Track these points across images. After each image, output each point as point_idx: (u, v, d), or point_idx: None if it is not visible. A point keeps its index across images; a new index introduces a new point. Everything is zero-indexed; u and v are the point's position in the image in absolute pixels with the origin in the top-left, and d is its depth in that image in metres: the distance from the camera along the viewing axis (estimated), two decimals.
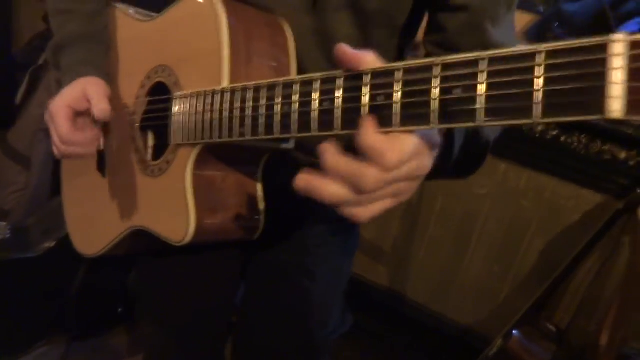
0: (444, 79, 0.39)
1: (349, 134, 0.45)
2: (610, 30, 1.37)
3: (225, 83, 0.59)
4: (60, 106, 0.70)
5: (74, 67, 0.74)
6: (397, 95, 0.41)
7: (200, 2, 0.63)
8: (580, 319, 1.51)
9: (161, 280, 0.89)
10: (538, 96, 0.34)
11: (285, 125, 0.50)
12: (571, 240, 1.50)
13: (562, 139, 1.47)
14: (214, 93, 0.59)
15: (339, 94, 0.45)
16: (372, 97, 0.42)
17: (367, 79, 0.43)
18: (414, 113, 0.40)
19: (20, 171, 1.76)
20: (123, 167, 0.77)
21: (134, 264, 1.00)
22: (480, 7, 0.64)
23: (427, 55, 0.70)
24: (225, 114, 0.57)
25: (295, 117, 0.49)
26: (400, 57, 0.75)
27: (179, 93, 0.65)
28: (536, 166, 1.53)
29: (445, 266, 1.78)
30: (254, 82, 0.54)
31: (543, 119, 0.34)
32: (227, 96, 0.57)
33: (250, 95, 0.54)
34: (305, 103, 0.47)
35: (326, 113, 0.46)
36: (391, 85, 0.42)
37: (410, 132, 0.42)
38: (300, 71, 0.68)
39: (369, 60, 0.44)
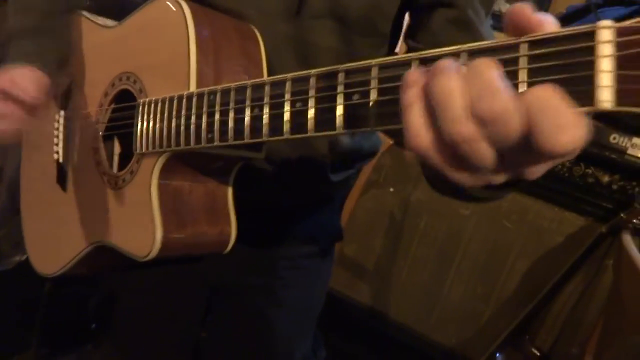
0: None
1: (322, 136, 0.42)
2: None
3: (192, 87, 0.56)
4: None
5: (20, 59, 0.69)
6: (374, 94, 0.38)
7: (166, 6, 0.60)
8: (563, 342, 1.49)
9: (125, 301, 0.85)
10: (524, 88, 0.31)
11: (256, 129, 0.47)
12: (554, 262, 1.48)
13: None
14: (180, 98, 0.55)
15: (312, 93, 0.42)
16: (347, 96, 0.40)
17: (341, 77, 0.40)
18: (392, 111, 0.37)
19: None
20: (85, 180, 0.73)
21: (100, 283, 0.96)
22: (465, 3, 0.62)
23: None
24: (192, 119, 0.54)
25: (266, 120, 0.45)
26: None
27: (144, 100, 0.61)
28: (520, 188, 1.52)
29: (428, 286, 1.75)
30: (221, 86, 0.51)
31: None
32: (194, 101, 0.54)
33: (218, 99, 0.51)
34: (277, 105, 0.44)
35: (299, 115, 0.43)
36: (367, 83, 0.39)
37: None
38: None
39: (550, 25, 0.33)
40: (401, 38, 0.73)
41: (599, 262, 1.40)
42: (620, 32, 0.29)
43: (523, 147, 0.30)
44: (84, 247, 0.72)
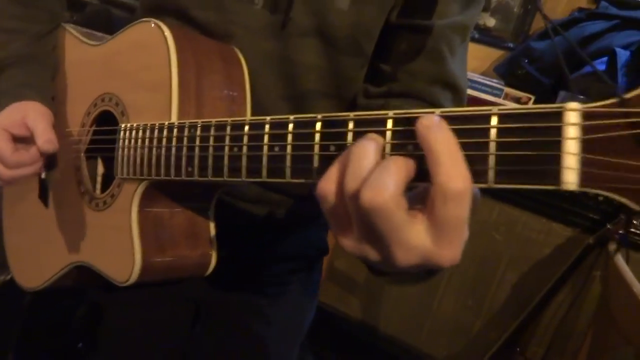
0: (396, 133, 0.36)
1: (299, 183, 0.42)
2: (579, 69, 1.39)
3: (174, 118, 0.56)
4: None
5: (14, 90, 0.70)
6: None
7: (149, 30, 0.60)
8: (553, 353, 1.49)
9: (110, 316, 0.84)
10: (491, 160, 0.32)
11: (234, 169, 0.47)
12: (543, 273, 1.48)
13: None
14: (161, 128, 0.55)
15: (289, 139, 0.42)
16: (322, 147, 0.40)
17: (318, 126, 0.40)
18: None
19: None
20: (66, 198, 0.72)
21: (83, 298, 0.94)
22: (440, 31, 0.63)
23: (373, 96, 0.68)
24: (172, 150, 0.53)
25: (244, 160, 0.45)
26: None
27: (125, 125, 0.61)
28: (508, 200, 1.53)
29: (418, 298, 1.74)
30: (202, 120, 0.51)
31: (496, 184, 0.32)
32: (175, 132, 0.53)
33: (198, 132, 0.51)
34: (255, 147, 0.44)
35: (276, 159, 0.43)
36: (343, 135, 0.39)
37: None
38: (258, 98, 0.65)
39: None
40: None
41: (587, 272, 1.41)
42: (586, 116, 0.29)
43: None
44: (65, 264, 0.71)
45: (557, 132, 0.30)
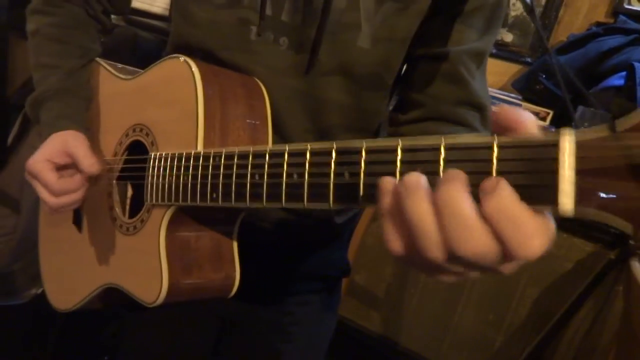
0: (404, 162, 0.38)
1: (316, 207, 0.44)
2: (596, 83, 1.39)
3: (200, 147, 0.59)
4: (40, 161, 0.69)
5: (53, 121, 0.74)
6: (362, 174, 0.41)
7: (177, 66, 0.64)
8: None
9: (138, 335, 0.87)
10: None
11: (256, 195, 0.49)
12: (564, 288, 1.47)
13: None
14: (188, 157, 0.58)
15: (307, 167, 0.44)
16: (337, 174, 0.42)
17: (334, 155, 0.43)
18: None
19: (8, 214, 1.75)
20: (99, 223, 0.76)
21: (118, 314, 0.98)
22: (457, 56, 0.66)
23: (396, 122, 0.70)
24: (198, 178, 0.56)
25: (265, 187, 0.48)
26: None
27: (155, 154, 0.64)
28: None
29: (439, 313, 1.74)
30: (225, 149, 0.53)
31: None
32: (200, 161, 0.56)
33: (222, 161, 0.54)
34: (275, 174, 0.47)
35: (294, 186, 0.45)
36: (357, 164, 0.41)
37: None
38: (284, 132, 0.68)
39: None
40: None
41: (609, 288, 1.39)
42: (579, 146, 0.31)
43: (498, 260, 0.33)
44: (97, 286, 0.75)
45: (553, 162, 0.32)
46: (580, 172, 0.31)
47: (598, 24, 1.57)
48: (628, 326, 1.28)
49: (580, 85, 1.22)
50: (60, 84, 0.76)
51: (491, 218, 0.32)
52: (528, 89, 1.51)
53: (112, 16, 0.88)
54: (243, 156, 0.51)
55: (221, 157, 0.54)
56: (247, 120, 0.64)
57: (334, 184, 0.42)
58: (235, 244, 0.68)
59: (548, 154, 0.32)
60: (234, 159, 0.52)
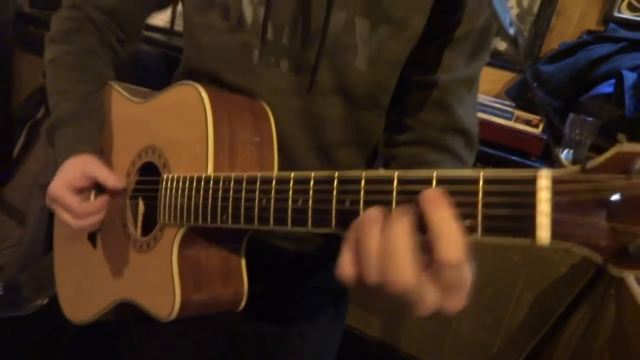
0: (399, 192, 0.42)
1: (320, 231, 0.48)
2: (587, 91, 1.43)
3: (210, 170, 0.62)
4: (62, 186, 0.72)
5: (69, 146, 0.77)
6: (361, 202, 0.44)
7: (188, 92, 0.68)
8: None
9: (150, 346, 0.90)
10: (480, 218, 0.38)
11: (263, 218, 0.53)
12: (560, 292, 1.51)
13: None
14: (199, 180, 0.62)
15: (311, 194, 0.48)
16: (339, 201, 0.46)
17: (335, 183, 0.46)
18: None
19: (14, 226, 1.78)
20: (113, 240, 0.79)
21: (128, 327, 1.01)
22: (446, 85, 0.70)
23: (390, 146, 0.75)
24: (209, 200, 0.60)
25: (272, 211, 0.52)
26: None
27: (167, 175, 0.68)
28: None
29: (438, 318, 1.77)
30: (234, 174, 0.57)
31: (483, 238, 0.38)
32: (210, 184, 0.60)
33: (231, 185, 0.57)
34: (281, 199, 0.51)
35: (299, 211, 0.49)
36: (357, 192, 0.45)
37: None
38: (288, 149, 0.72)
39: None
40: None
41: (603, 291, 1.43)
42: (555, 180, 0.35)
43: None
44: (112, 301, 0.78)
45: (531, 195, 0.35)
46: (555, 206, 0.35)
47: (589, 32, 1.61)
48: (620, 328, 1.31)
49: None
50: (76, 108, 0.79)
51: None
52: (520, 97, 1.55)
53: None
54: (251, 181, 0.55)
55: (231, 181, 0.57)
56: (254, 142, 0.68)
57: (336, 210, 0.46)
58: (243, 260, 0.71)
59: (527, 188, 0.36)
60: (242, 184, 0.56)
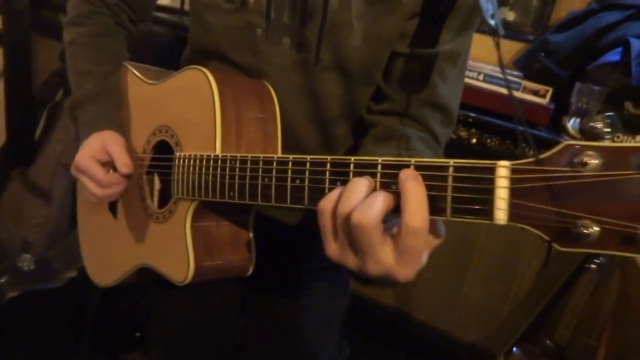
0: (382, 175, 0.47)
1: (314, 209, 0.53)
2: (594, 60, 1.43)
3: (218, 150, 0.67)
4: (86, 158, 0.78)
5: (91, 123, 0.83)
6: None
7: (196, 75, 0.72)
8: (580, 335, 1.55)
9: (170, 309, 0.97)
10: (449, 200, 0.43)
11: (266, 195, 0.58)
12: (566, 261, 1.54)
13: None
14: (208, 159, 0.67)
15: (307, 174, 0.53)
16: (331, 181, 0.51)
17: (328, 166, 0.52)
18: None
19: (41, 205, 1.87)
20: (132, 211, 0.85)
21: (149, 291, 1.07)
22: (431, 59, 0.72)
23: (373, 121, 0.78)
24: (217, 178, 0.65)
25: (273, 189, 0.57)
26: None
27: (179, 154, 0.73)
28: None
29: (448, 286, 1.83)
30: (240, 155, 0.62)
31: (452, 218, 0.43)
32: (219, 163, 0.65)
33: (237, 164, 0.62)
34: (281, 179, 0.56)
35: (297, 189, 0.54)
36: (346, 174, 0.50)
37: None
38: (289, 124, 0.76)
39: None
40: None
41: (609, 257, 1.46)
42: (512, 170, 0.40)
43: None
44: (132, 266, 0.85)
45: (491, 182, 0.40)
46: (512, 192, 0.40)
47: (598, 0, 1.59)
48: (624, 295, 1.35)
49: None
50: (96, 88, 0.85)
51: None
52: (528, 68, 1.55)
53: None
54: (255, 162, 0.60)
55: (236, 161, 0.62)
56: (259, 122, 0.72)
57: (330, 189, 0.51)
58: (251, 229, 0.77)
59: (488, 176, 0.41)
60: (247, 164, 0.61)
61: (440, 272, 1.82)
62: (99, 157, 0.78)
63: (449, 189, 0.43)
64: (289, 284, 0.91)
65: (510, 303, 1.70)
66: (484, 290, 1.74)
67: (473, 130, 1.58)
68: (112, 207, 0.91)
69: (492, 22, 0.58)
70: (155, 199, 0.83)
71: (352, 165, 0.49)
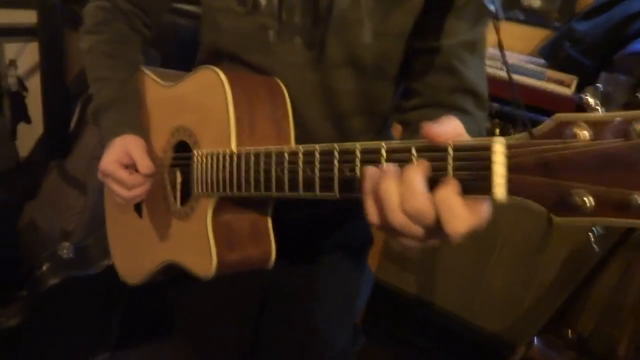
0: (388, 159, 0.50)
1: (326, 197, 0.55)
2: (622, 48, 1.39)
3: (233, 147, 0.71)
4: (110, 162, 0.82)
5: (112, 128, 0.87)
6: (357, 170, 0.52)
7: (209, 76, 0.75)
8: (603, 326, 1.54)
9: (193, 300, 1.02)
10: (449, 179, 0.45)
11: (280, 187, 0.61)
12: (591, 248, 1.52)
13: None
14: (224, 155, 0.71)
15: (316, 164, 0.56)
16: (340, 169, 0.54)
17: (336, 153, 0.54)
18: None
19: (78, 195, 1.96)
20: (156, 210, 0.90)
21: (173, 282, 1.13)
22: (450, 49, 0.74)
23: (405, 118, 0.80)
24: (235, 174, 0.69)
25: (285, 179, 0.60)
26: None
27: (198, 152, 0.77)
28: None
29: (471, 274, 1.83)
30: (253, 149, 0.65)
31: None
32: (235, 159, 0.69)
33: (252, 159, 0.66)
34: (293, 169, 0.59)
35: (308, 179, 0.57)
36: (353, 160, 0.52)
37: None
38: (304, 120, 0.78)
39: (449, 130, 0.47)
40: None
41: (635, 247, 1.44)
42: (508, 146, 0.41)
43: (437, 229, 0.45)
44: (159, 263, 0.90)
45: (488, 158, 0.42)
46: (509, 169, 0.42)
47: None
48: None
49: None
50: (115, 94, 0.89)
51: (435, 197, 0.45)
52: (553, 57, 1.53)
53: None
54: (267, 155, 0.63)
55: (250, 156, 0.66)
56: (272, 118, 0.75)
57: (339, 177, 0.54)
58: (269, 223, 0.80)
59: (485, 154, 0.42)
60: (260, 158, 0.64)
61: (462, 259, 1.83)
62: (123, 161, 0.83)
63: (450, 168, 0.45)
64: (306, 276, 0.95)
65: (533, 292, 1.69)
66: (506, 279, 1.74)
67: (496, 120, 1.58)
68: (137, 207, 0.96)
69: (491, 7, 0.59)
70: (178, 197, 0.87)
71: (357, 152, 0.52)
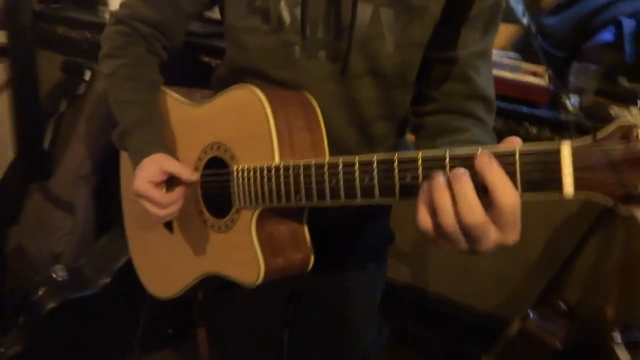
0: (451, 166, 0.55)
1: (365, 203, 0.61)
2: (589, 40, 1.51)
3: (277, 160, 0.75)
4: (144, 183, 0.84)
5: (141, 149, 0.89)
6: (420, 176, 0.57)
7: (244, 93, 0.79)
8: (588, 295, 1.66)
9: (223, 307, 1.05)
10: (518, 182, 0.51)
11: (321, 196, 0.67)
12: (573, 228, 1.64)
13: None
14: (269, 169, 0.74)
15: (375, 173, 0.62)
16: (401, 177, 0.59)
17: (396, 163, 0.59)
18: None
19: (65, 216, 1.93)
20: (190, 225, 0.93)
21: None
22: (464, 59, 0.81)
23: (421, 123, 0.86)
24: (281, 185, 0.73)
25: (327, 189, 0.66)
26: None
27: (237, 166, 0.80)
28: None
29: (460, 259, 1.93)
30: (303, 161, 0.70)
31: (521, 197, 0.51)
32: (281, 171, 0.73)
33: (293, 171, 0.70)
34: (349, 179, 0.64)
35: (349, 188, 0.64)
36: (416, 169, 0.57)
37: None
38: (330, 127, 0.82)
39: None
40: None
41: (612, 221, 1.56)
42: (575, 150, 0.48)
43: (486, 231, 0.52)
44: (197, 277, 0.92)
45: (557, 162, 0.48)
46: (576, 168, 0.48)
47: None
48: (629, 251, 1.46)
49: None
50: (140, 116, 0.91)
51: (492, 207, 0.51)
52: (526, 50, 1.64)
53: None
54: (307, 167, 0.68)
55: (300, 167, 0.70)
56: (307, 129, 0.80)
57: (400, 184, 0.59)
58: (306, 229, 0.84)
59: (554, 157, 0.49)
60: (300, 169, 0.69)
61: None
62: (155, 180, 0.85)
63: (518, 174, 0.50)
64: (336, 274, 0.99)
65: (521, 270, 1.80)
66: (495, 260, 1.84)
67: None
68: (167, 223, 0.98)
69: (524, 20, 0.66)
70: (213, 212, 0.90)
71: (420, 161, 0.57)
